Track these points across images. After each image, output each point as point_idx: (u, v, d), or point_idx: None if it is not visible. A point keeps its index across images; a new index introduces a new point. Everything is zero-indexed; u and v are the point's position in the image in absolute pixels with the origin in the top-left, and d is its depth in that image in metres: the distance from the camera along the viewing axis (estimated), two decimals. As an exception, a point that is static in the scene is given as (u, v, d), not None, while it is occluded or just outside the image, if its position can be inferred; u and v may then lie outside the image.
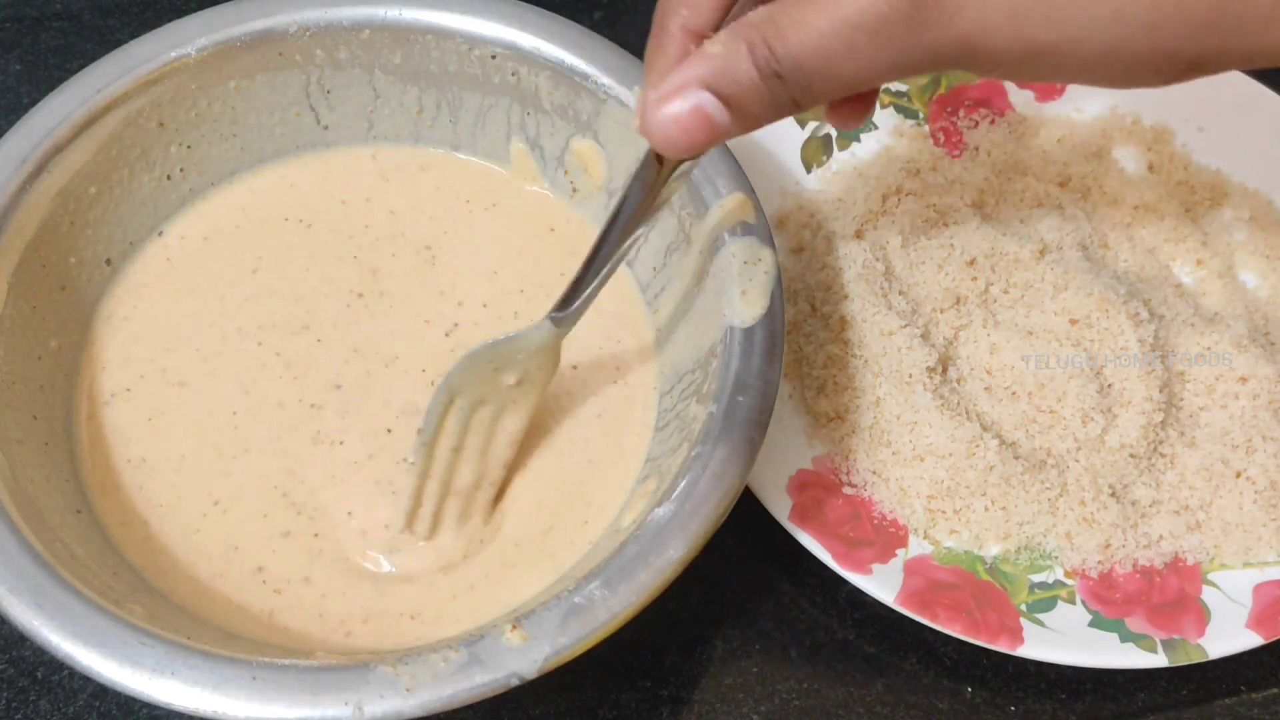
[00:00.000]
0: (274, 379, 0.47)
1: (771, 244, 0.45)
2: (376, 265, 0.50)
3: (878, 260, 0.52)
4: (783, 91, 0.32)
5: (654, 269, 0.49)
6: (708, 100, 0.32)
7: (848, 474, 0.49)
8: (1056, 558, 0.47)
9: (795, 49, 0.31)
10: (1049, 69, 0.32)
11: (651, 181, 0.38)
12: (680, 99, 0.32)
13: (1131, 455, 0.48)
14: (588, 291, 0.41)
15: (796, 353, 0.51)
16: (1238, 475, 0.48)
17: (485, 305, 0.49)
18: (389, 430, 0.46)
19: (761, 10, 0.32)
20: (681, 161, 0.37)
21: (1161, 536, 0.48)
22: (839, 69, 0.32)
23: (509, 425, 0.44)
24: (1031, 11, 0.31)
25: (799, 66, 0.32)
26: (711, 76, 0.32)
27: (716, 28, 0.35)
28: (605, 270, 0.40)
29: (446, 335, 0.48)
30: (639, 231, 0.39)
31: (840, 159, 0.57)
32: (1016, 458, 0.48)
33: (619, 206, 0.39)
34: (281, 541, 0.43)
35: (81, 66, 0.47)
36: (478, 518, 0.44)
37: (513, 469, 0.45)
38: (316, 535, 0.44)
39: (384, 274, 0.50)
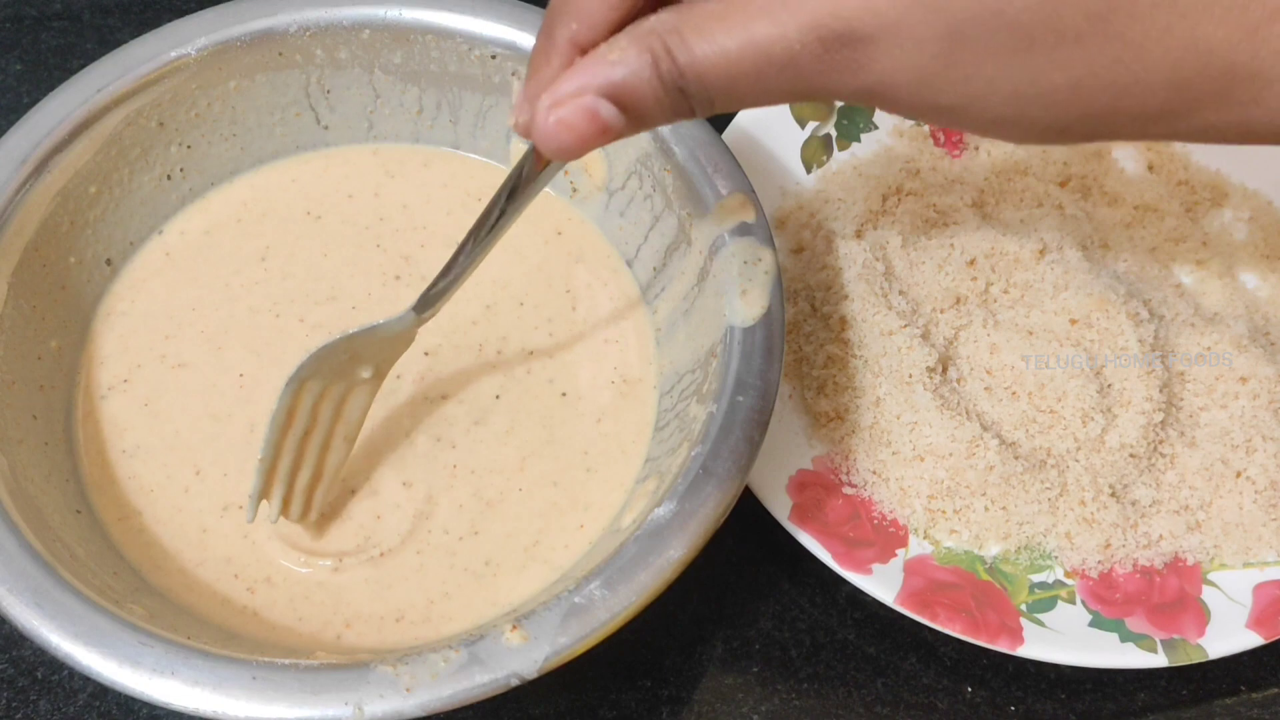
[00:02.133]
0: (299, 337, 0.47)
1: (771, 244, 0.45)
2: (407, 254, 0.50)
3: (878, 260, 0.52)
4: (683, 103, 0.32)
5: (654, 269, 0.49)
6: (604, 106, 0.32)
7: (848, 474, 0.49)
8: (1056, 558, 0.47)
9: (701, 66, 0.31)
10: (947, 121, 0.33)
11: (530, 179, 0.38)
12: (575, 105, 0.32)
13: (1131, 455, 0.48)
14: (451, 282, 0.41)
15: (796, 353, 0.51)
16: (1238, 475, 0.48)
17: (522, 304, 0.49)
18: (431, 400, 0.46)
19: (665, 17, 0.32)
20: (555, 163, 0.37)
21: (1161, 536, 0.48)
22: (742, 91, 0.32)
23: (354, 408, 0.43)
24: (936, 82, 0.31)
25: (703, 83, 0.31)
26: (611, 86, 0.32)
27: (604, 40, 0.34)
28: (472, 262, 0.40)
29: (475, 323, 0.49)
30: (501, 229, 0.40)
31: (840, 159, 0.57)
32: (1016, 458, 0.48)
33: (493, 204, 0.39)
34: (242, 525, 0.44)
35: (81, 66, 0.47)
36: (312, 513, 0.44)
37: (511, 467, 0.46)
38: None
39: (417, 261, 0.50)
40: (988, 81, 0.31)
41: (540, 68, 0.35)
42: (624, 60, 0.32)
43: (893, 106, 0.33)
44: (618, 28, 0.34)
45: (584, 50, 0.34)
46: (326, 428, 0.43)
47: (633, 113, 0.32)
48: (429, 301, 0.41)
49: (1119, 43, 0.30)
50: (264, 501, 0.43)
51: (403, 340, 0.43)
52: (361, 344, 0.42)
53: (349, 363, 0.42)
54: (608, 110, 0.32)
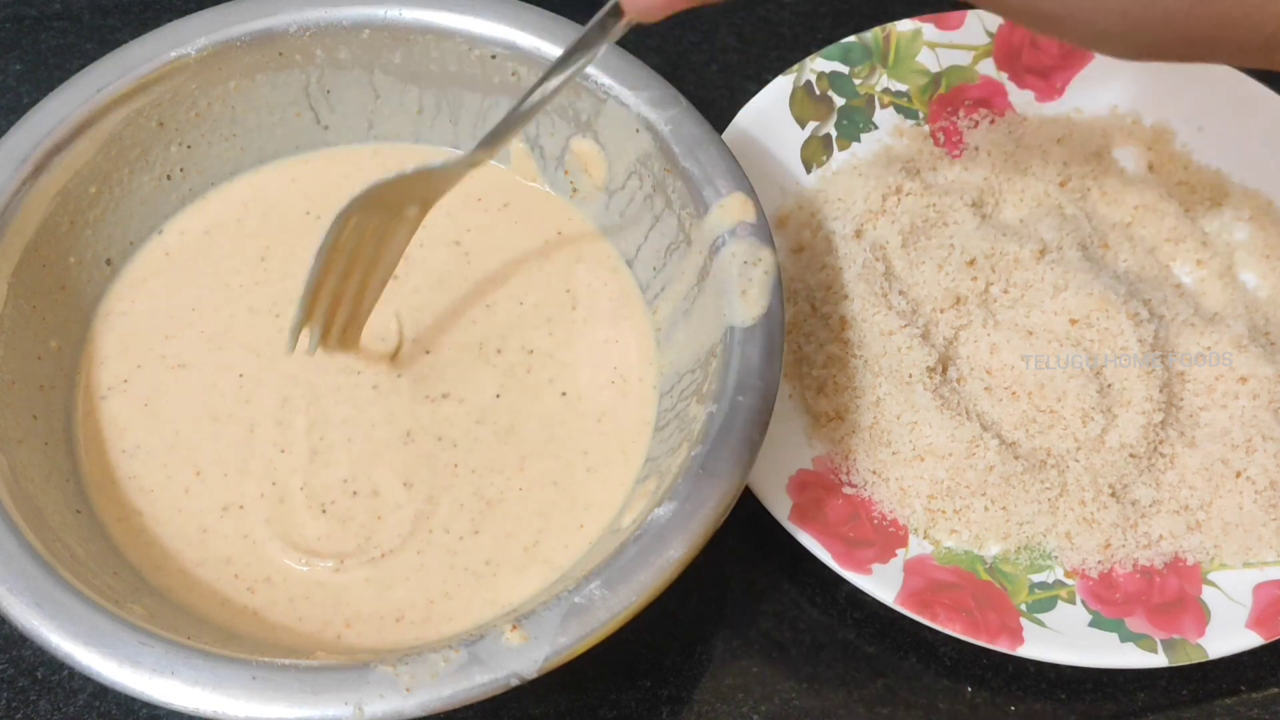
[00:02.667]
0: (300, 338, 0.47)
1: (771, 244, 0.45)
2: (407, 253, 0.50)
3: (878, 260, 0.52)
4: None
5: (654, 269, 0.49)
6: None
7: (848, 474, 0.49)
8: (1056, 558, 0.47)
9: None
10: (1050, 28, 0.33)
11: (607, 31, 0.41)
12: None
13: (1131, 455, 0.48)
14: (513, 123, 0.42)
15: (796, 353, 0.51)
16: (1238, 475, 0.48)
17: (521, 303, 0.49)
18: (432, 400, 0.46)
19: None
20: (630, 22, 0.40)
21: (1161, 536, 0.48)
22: None
23: (395, 241, 0.45)
24: None
25: None
26: None
27: None
28: (536, 107, 0.42)
29: (475, 322, 0.49)
30: (570, 80, 0.42)
31: (840, 159, 0.57)
32: (1016, 458, 0.48)
33: (569, 51, 0.41)
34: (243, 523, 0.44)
35: (81, 66, 0.47)
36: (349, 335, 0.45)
37: (511, 467, 0.46)
38: (282, 501, 0.44)
39: (416, 261, 0.50)
40: None
41: None
42: None
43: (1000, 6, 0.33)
44: None
45: None
46: (368, 262, 0.44)
47: None
48: (492, 140, 0.42)
49: None
50: (305, 331, 0.44)
51: (455, 177, 0.43)
52: (418, 182, 0.43)
53: (399, 199, 0.43)
54: None
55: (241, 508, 0.44)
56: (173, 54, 0.47)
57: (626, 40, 0.48)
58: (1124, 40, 0.33)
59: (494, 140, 0.43)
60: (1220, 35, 0.31)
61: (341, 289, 0.44)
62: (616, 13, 0.40)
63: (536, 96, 0.42)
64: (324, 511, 0.44)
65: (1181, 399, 0.50)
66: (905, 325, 0.49)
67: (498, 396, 0.47)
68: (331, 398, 0.46)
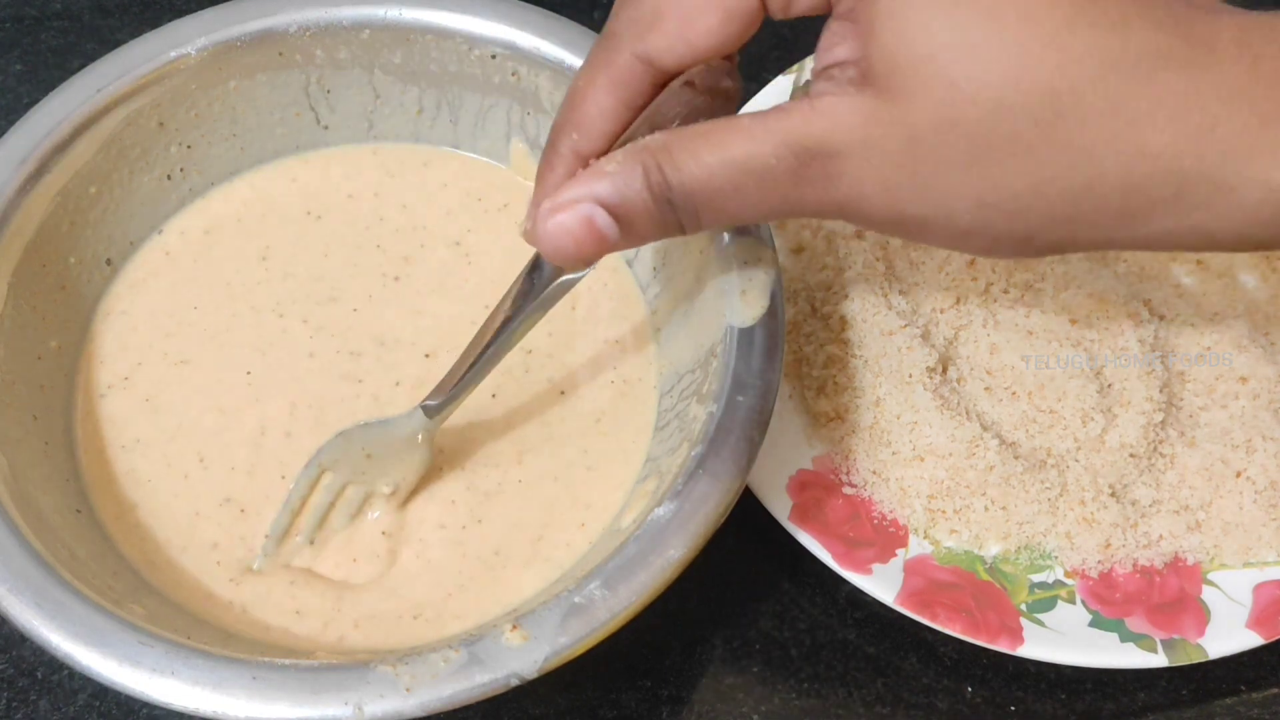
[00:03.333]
0: (302, 339, 0.47)
1: (771, 244, 0.45)
2: (407, 254, 0.50)
3: (878, 260, 0.52)
4: (671, 216, 0.34)
5: (654, 269, 0.49)
6: (600, 215, 0.34)
7: (848, 474, 0.49)
8: (1056, 557, 0.47)
9: (688, 179, 0.33)
10: (918, 236, 0.34)
11: (537, 290, 0.40)
12: (573, 211, 0.34)
13: (1131, 455, 0.48)
14: (462, 387, 0.42)
15: (796, 353, 0.51)
16: (1238, 475, 0.48)
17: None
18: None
19: (658, 135, 0.34)
20: (563, 273, 0.39)
21: (1161, 536, 0.48)
22: (724, 204, 0.34)
23: (372, 520, 0.44)
24: (902, 191, 0.33)
25: (689, 196, 0.33)
26: (606, 193, 0.34)
27: (603, 154, 0.36)
28: (480, 370, 0.42)
29: (473, 324, 0.48)
30: (515, 337, 0.41)
31: (840, 159, 0.57)
32: (1016, 458, 0.48)
33: (500, 310, 0.41)
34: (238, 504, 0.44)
35: (81, 66, 0.47)
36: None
37: (508, 460, 0.46)
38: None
39: (417, 262, 0.50)
40: (951, 190, 0.32)
41: (545, 176, 0.38)
42: (619, 171, 0.34)
43: (867, 220, 0.34)
44: (615, 138, 0.37)
45: (585, 161, 0.36)
46: (344, 524, 0.44)
47: (624, 222, 0.34)
48: (437, 410, 0.42)
49: (1070, 149, 0.31)
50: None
51: (416, 455, 0.43)
52: (375, 440, 0.43)
53: (367, 464, 0.43)
54: (603, 218, 0.34)
55: (243, 510, 0.44)
56: (173, 54, 0.47)
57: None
58: (986, 235, 0.33)
59: (439, 410, 0.42)
60: (1076, 211, 0.32)
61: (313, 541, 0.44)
62: (539, 271, 0.39)
63: (480, 362, 0.41)
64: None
65: (1181, 399, 0.50)
66: (905, 325, 0.49)
67: (494, 396, 0.47)
68: (335, 409, 0.46)
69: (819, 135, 0.32)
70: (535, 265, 0.40)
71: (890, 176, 0.32)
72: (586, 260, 0.35)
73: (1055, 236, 0.33)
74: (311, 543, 0.43)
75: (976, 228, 0.33)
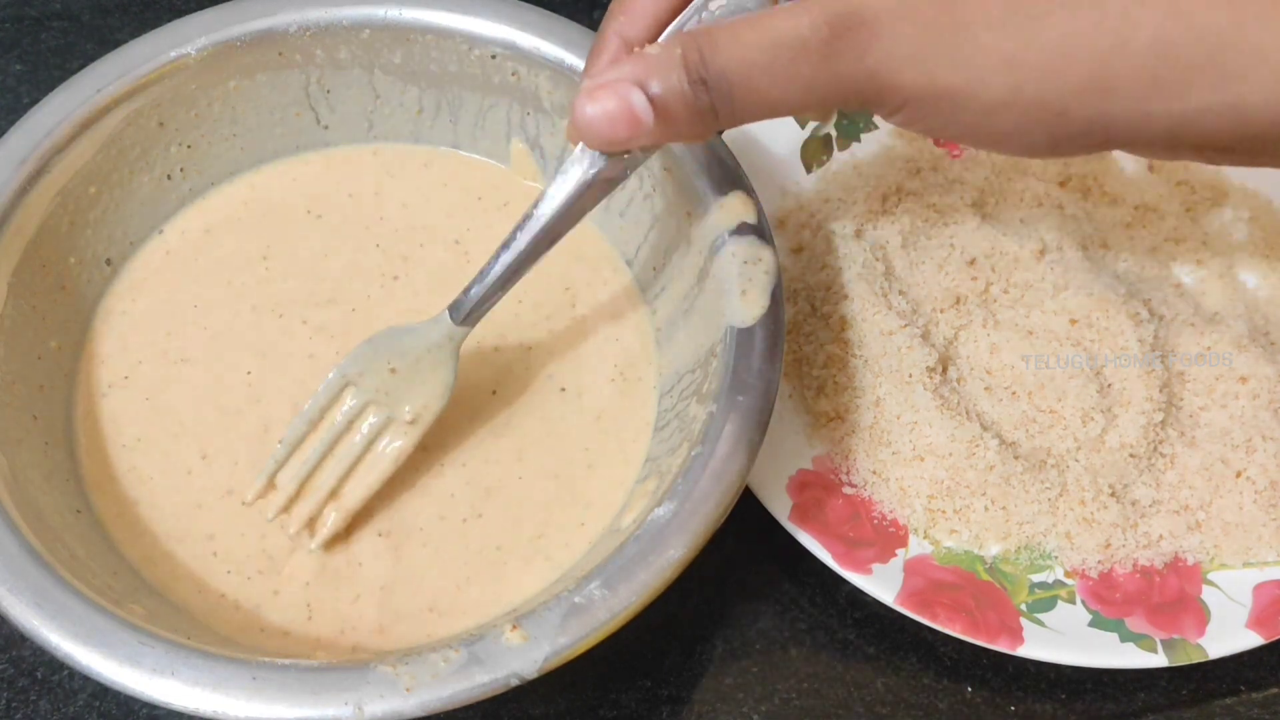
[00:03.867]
0: (302, 340, 0.47)
1: (771, 244, 0.45)
2: (406, 253, 0.50)
3: (878, 260, 0.52)
4: (705, 99, 0.34)
5: (654, 269, 0.49)
6: (637, 97, 0.34)
7: (848, 474, 0.49)
8: (1056, 557, 0.47)
9: (723, 58, 0.33)
10: (949, 114, 0.34)
11: (576, 188, 0.39)
12: (611, 91, 0.34)
13: (1131, 455, 0.48)
14: (489, 290, 0.41)
15: (796, 353, 0.51)
16: (1238, 475, 0.48)
17: (520, 301, 0.49)
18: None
19: (702, 24, 0.35)
20: (604, 177, 0.38)
21: (1161, 536, 0.48)
22: (758, 83, 0.33)
23: (387, 449, 0.43)
24: (935, 52, 0.33)
25: (724, 75, 0.33)
26: (643, 73, 0.34)
27: (652, 40, 0.37)
28: (510, 272, 0.41)
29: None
30: (547, 240, 0.40)
31: (840, 159, 0.57)
32: (1016, 458, 0.48)
33: (535, 210, 0.40)
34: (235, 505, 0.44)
35: (81, 66, 0.47)
36: (316, 538, 0.43)
37: (508, 457, 0.45)
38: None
39: (416, 261, 0.50)
40: (982, 50, 0.32)
41: (591, 63, 0.38)
42: (658, 55, 0.34)
43: (895, 94, 0.34)
44: (663, 26, 0.37)
45: (632, 48, 0.37)
46: (357, 451, 0.43)
47: (660, 106, 0.34)
48: (461, 309, 0.42)
49: (1101, 6, 0.31)
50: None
51: (440, 373, 0.43)
52: (401, 349, 0.42)
53: (391, 380, 0.43)
54: (640, 100, 0.34)
55: (245, 504, 0.44)
56: (173, 54, 0.47)
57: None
58: (1017, 108, 0.33)
59: (464, 308, 0.42)
60: (1108, 73, 0.32)
61: (320, 466, 0.43)
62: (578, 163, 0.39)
63: (509, 264, 0.41)
64: (324, 540, 0.44)
65: (1181, 399, 0.50)
66: (905, 325, 0.49)
67: (494, 393, 0.47)
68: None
69: (853, 3, 0.33)
70: (575, 161, 0.39)
71: (923, 41, 0.32)
72: (619, 145, 0.35)
73: (1088, 111, 0.32)
74: (320, 464, 0.42)
75: (1008, 97, 0.33)
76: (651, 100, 0.34)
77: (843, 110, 0.35)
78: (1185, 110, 0.32)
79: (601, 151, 0.37)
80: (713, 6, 0.37)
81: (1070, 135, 0.34)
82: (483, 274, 0.42)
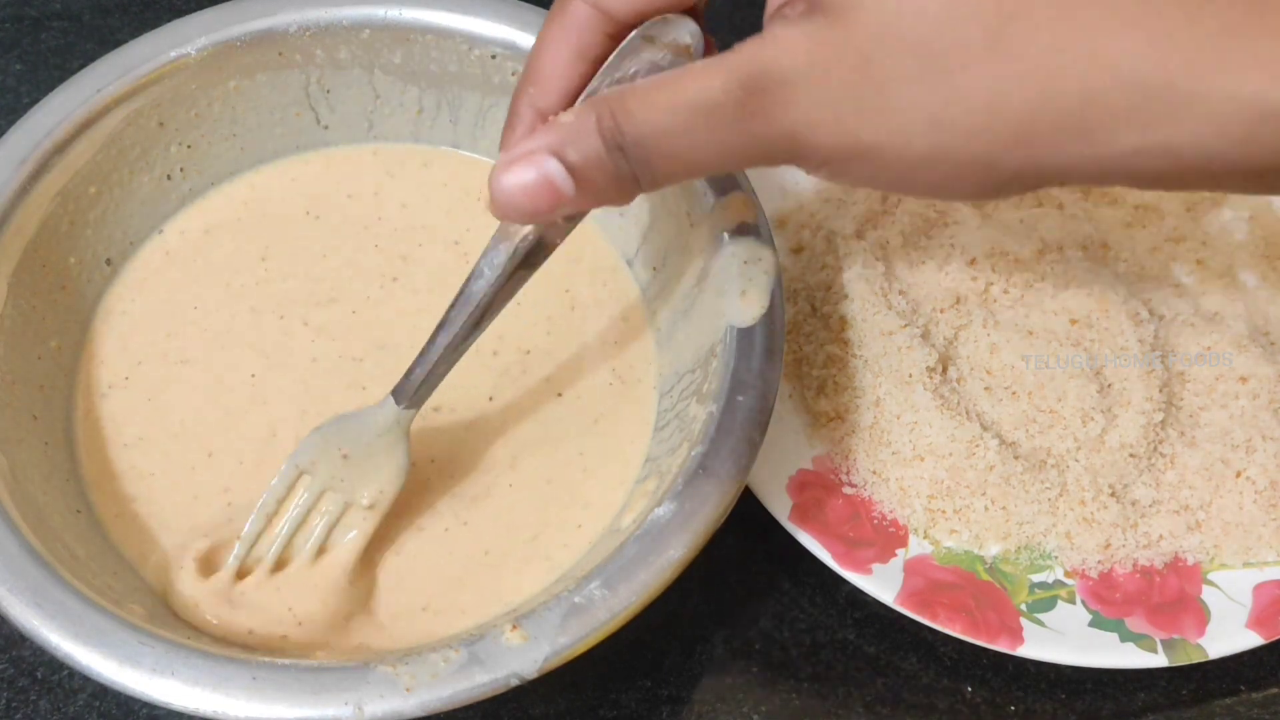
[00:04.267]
0: (304, 341, 0.47)
1: (771, 244, 0.45)
2: (405, 253, 0.50)
3: (878, 260, 0.52)
4: (625, 165, 0.33)
5: (654, 269, 0.49)
6: (554, 167, 0.33)
7: (848, 474, 0.49)
8: (1056, 557, 0.47)
9: (638, 122, 0.32)
10: (873, 170, 0.33)
11: (506, 266, 0.39)
12: (527, 163, 0.33)
13: (1131, 455, 0.48)
14: (430, 371, 0.41)
15: (796, 353, 0.51)
16: (1238, 475, 0.48)
17: (519, 303, 0.49)
18: (422, 414, 0.46)
19: (614, 88, 0.34)
20: (534, 248, 0.38)
21: (1161, 536, 0.48)
22: (675, 147, 0.33)
23: (346, 542, 0.42)
24: (856, 113, 0.32)
25: (640, 140, 0.33)
26: (558, 143, 0.33)
27: (566, 109, 0.35)
28: (449, 352, 0.41)
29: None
30: (487, 317, 0.40)
31: (840, 159, 0.57)
32: (1016, 458, 0.48)
33: (469, 287, 0.40)
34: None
35: (81, 66, 0.47)
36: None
37: (500, 465, 0.45)
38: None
39: (415, 261, 0.50)
40: (904, 108, 0.31)
41: (506, 138, 0.37)
42: (572, 123, 0.33)
43: (818, 153, 0.33)
44: (574, 95, 0.37)
45: (545, 119, 0.36)
46: (317, 543, 0.42)
47: (580, 174, 0.33)
48: (404, 393, 0.42)
49: (1022, 59, 0.30)
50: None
51: (393, 457, 0.42)
52: (350, 436, 0.42)
53: (344, 466, 0.42)
54: (557, 170, 0.33)
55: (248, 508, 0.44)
56: (173, 54, 0.47)
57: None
58: (946, 163, 0.32)
59: (409, 391, 0.42)
60: (1035, 125, 0.31)
61: (288, 551, 0.42)
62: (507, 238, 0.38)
63: (448, 342, 0.40)
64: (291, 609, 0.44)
65: (1181, 399, 0.50)
66: (905, 325, 0.49)
67: (490, 399, 0.47)
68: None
69: (765, 63, 0.31)
70: (502, 236, 0.39)
71: (840, 100, 0.31)
72: (540, 217, 0.34)
73: (1016, 161, 0.32)
74: (278, 560, 0.42)
75: (933, 153, 0.32)
76: (570, 169, 0.33)
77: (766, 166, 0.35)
78: (1113, 154, 0.31)
79: (519, 222, 0.37)
80: (627, 67, 0.36)
81: (999, 183, 0.33)
82: (423, 356, 0.41)
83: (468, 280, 0.40)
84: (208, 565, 0.42)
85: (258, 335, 0.48)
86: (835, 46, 0.31)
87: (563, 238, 0.39)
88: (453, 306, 0.40)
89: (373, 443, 0.42)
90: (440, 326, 0.41)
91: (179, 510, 0.44)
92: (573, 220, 0.39)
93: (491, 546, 0.44)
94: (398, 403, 0.42)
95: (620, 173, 0.33)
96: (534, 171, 0.33)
